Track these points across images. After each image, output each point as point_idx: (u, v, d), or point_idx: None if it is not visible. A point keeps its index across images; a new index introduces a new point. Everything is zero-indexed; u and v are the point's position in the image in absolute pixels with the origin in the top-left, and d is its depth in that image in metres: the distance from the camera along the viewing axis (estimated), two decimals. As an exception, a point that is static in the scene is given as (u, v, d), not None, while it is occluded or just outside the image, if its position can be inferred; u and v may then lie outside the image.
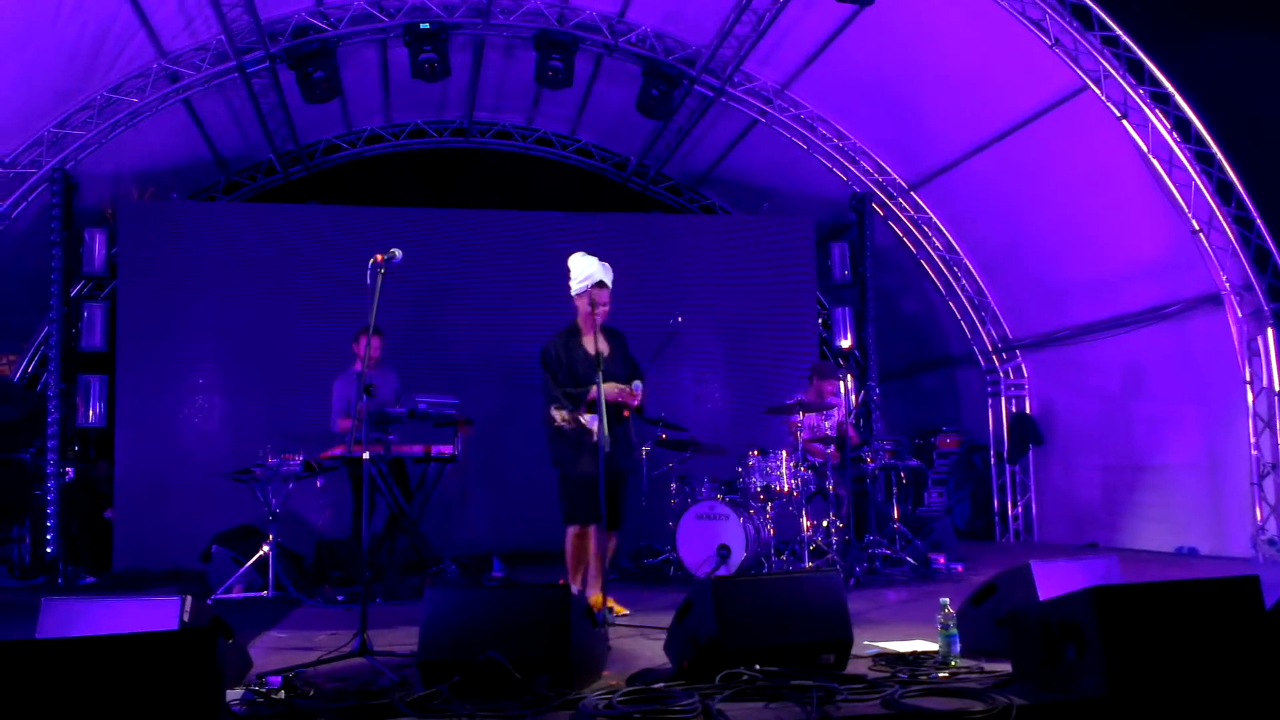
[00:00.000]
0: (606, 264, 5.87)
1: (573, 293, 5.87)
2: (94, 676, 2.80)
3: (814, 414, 7.68)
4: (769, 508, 7.32)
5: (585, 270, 5.82)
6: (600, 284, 5.78)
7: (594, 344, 5.66)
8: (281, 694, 3.50)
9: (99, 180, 9.67)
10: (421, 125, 12.00)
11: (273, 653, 4.61)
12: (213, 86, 9.44)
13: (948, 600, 3.93)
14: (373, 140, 11.96)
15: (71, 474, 9.12)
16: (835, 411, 7.90)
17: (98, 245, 9.41)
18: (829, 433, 7.69)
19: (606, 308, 5.79)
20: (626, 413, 5.87)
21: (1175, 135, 7.94)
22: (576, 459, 5.73)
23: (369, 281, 4.75)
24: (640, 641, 4.73)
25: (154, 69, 9.01)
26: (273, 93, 9.92)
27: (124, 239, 9.43)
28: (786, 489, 7.24)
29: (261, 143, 10.97)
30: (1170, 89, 7.92)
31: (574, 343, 5.86)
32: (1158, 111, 7.95)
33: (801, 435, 7.33)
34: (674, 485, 7.76)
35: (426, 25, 9.17)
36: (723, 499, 7.21)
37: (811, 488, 7.37)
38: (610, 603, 5.58)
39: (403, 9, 9.31)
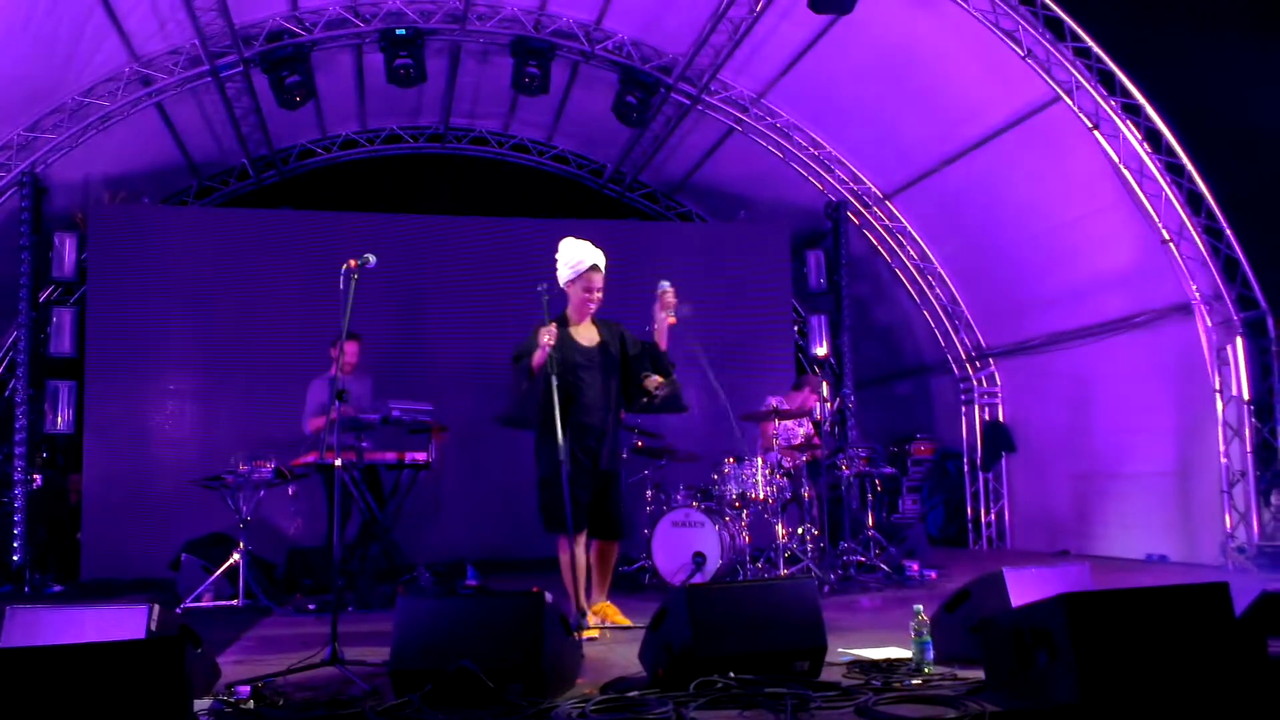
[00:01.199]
0: (598, 249, 5.59)
1: (564, 280, 5.54)
2: (59, 686, 2.75)
3: (788, 421, 7.71)
4: (744, 515, 7.33)
5: (578, 254, 5.53)
6: (594, 268, 5.50)
7: (589, 334, 5.46)
8: (250, 704, 3.46)
9: (69, 184, 9.56)
10: (397, 131, 11.95)
11: (242, 662, 4.55)
12: (186, 90, 9.36)
13: (921, 607, 3.94)
14: (348, 145, 11.90)
15: (39, 481, 8.99)
16: (807, 419, 7.93)
17: (67, 250, 9.30)
18: (802, 440, 7.72)
19: (601, 293, 5.53)
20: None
21: (1146, 146, 8.03)
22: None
23: (342, 287, 4.71)
24: (614, 649, 4.72)
25: (126, 72, 8.93)
26: (246, 97, 9.84)
27: (94, 243, 9.32)
28: (762, 496, 7.25)
29: (235, 147, 10.88)
30: (1141, 100, 8.02)
31: (564, 334, 5.48)
32: (1129, 122, 8.04)
33: (778, 441, 7.34)
34: (649, 492, 7.76)
35: (402, 31, 9.14)
36: (698, 506, 7.21)
37: (786, 495, 7.38)
38: (612, 613, 5.48)
39: (378, 14, 9.27)
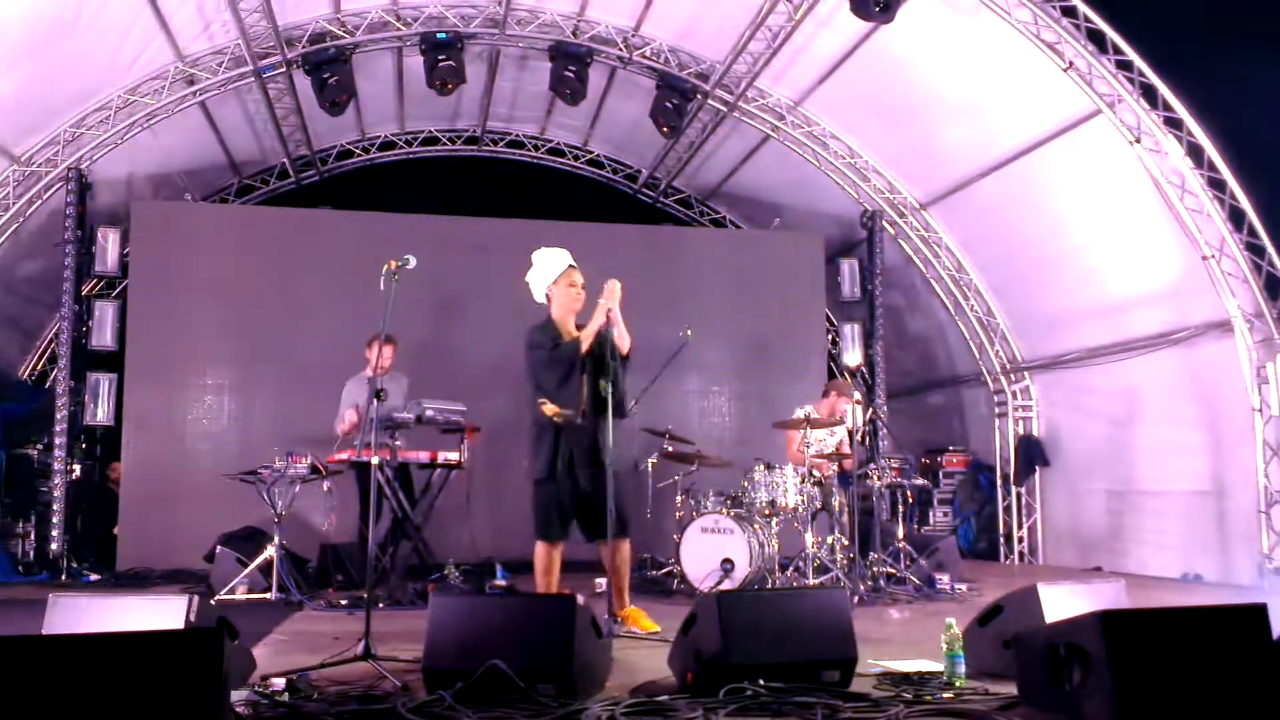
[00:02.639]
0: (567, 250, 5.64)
1: (546, 285, 5.57)
2: (101, 673, 2.80)
3: (820, 429, 7.67)
4: (774, 523, 7.31)
5: (554, 259, 5.59)
6: (572, 266, 5.57)
7: (574, 334, 5.45)
8: (285, 696, 3.51)
9: (113, 180, 9.73)
10: (435, 133, 12.06)
11: (276, 655, 4.61)
12: (229, 90, 9.50)
13: (953, 620, 3.92)
14: (386, 147, 12.02)
15: (79, 471, 9.13)
16: (839, 428, 7.88)
17: (111, 244, 9.45)
18: (831, 450, 7.68)
19: (585, 290, 5.56)
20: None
21: (1188, 160, 7.94)
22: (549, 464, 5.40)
23: (382, 287, 4.76)
24: (643, 654, 4.72)
25: (171, 71, 9.07)
26: (288, 98, 9.98)
27: (136, 239, 9.47)
28: (791, 504, 7.23)
29: (275, 146, 11.03)
30: (1184, 114, 7.93)
31: (556, 338, 5.50)
32: (1171, 136, 7.96)
33: (807, 451, 7.30)
34: (679, 498, 7.75)
35: (443, 35, 9.22)
36: (727, 513, 7.20)
37: (816, 503, 7.36)
38: (639, 618, 5.46)
39: (419, 18, 9.36)
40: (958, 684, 3.77)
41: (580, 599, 3.74)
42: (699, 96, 10.03)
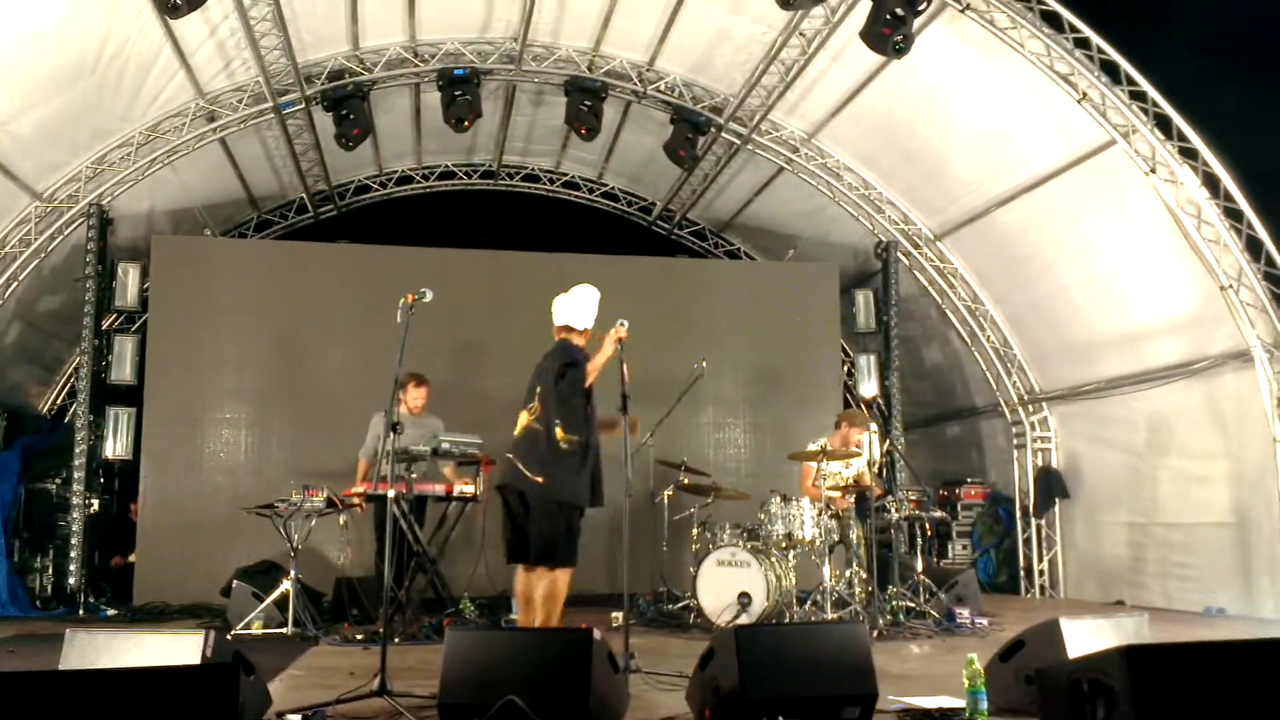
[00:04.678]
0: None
1: (590, 319, 5.65)
2: (117, 709, 2.80)
3: (834, 461, 7.62)
4: (791, 556, 7.26)
5: (595, 297, 5.68)
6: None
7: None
8: (301, 733, 3.49)
9: (133, 215, 9.84)
10: (451, 167, 12.17)
11: (292, 690, 4.59)
12: (248, 127, 9.62)
13: (974, 656, 3.87)
14: (403, 181, 12.14)
15: (97, 505, 9.16)
16: (857, 460, 7.84)
17: (131, 279, 9.54)
18: (849, 481, 7.64)
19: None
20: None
21: (1204, 191, 7.93)
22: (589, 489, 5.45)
23: (399, 320, 4.79)
24: (660, 690, 4.68)
25: (192, 108, 9.20)
26: (307, 133, 10.10)
27: (156, 274, 9.55)
28: (808, 537, 7.18)
29: (294, 181, 11.15)
30: (1199, 144, 7.93)
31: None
32: (1186, 167, 7.95)
33: (822, 483, 7.26)
34: (695, 530, 7.72)
35: (460, 71, 9.33)
36: (744, 546, 7.15)
37: (834, 536, 7.30)
38: None
39: (437, 54, 9.48)
40: (980, 720, 3.72)
41: (597, 633, 3.72)
42: (713, 129, 10.09)
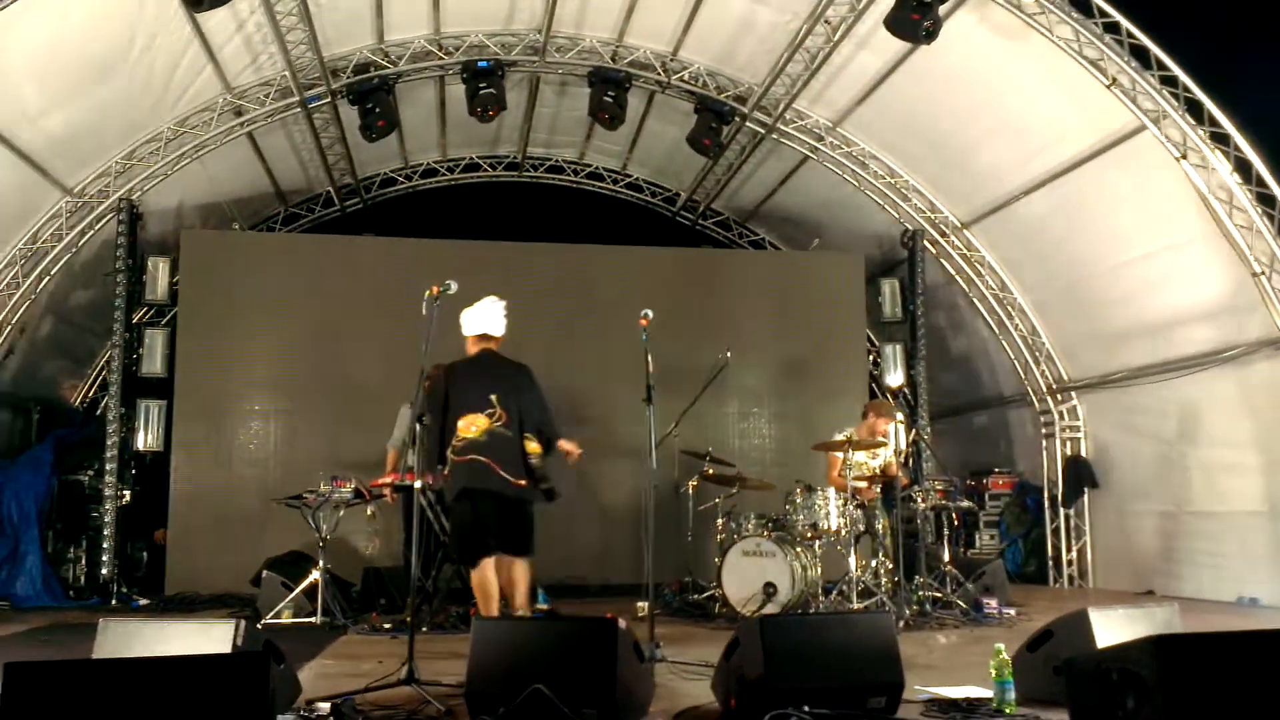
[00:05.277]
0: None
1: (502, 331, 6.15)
2: (150, 696, 2.84)
3: (860, 451, 7.59)
4: (816, 546, 7.24)
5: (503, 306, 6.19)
6: None
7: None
8: (330, 720, 3.53)
9: (163, 210, 9.94)
10: (476, 160, 12.20)
11: (321, 679, 4.64)
12: (275, 121, 9.68)
13: (1002, 646, 3.85)
14: (428, 174, 12.19)
15: (129, 497, 9.28)
16: (884, 450, 7.80)
17: (160, 273, 9.62)
18: (876, 471, 7.61)
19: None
20: None
21: (1236, 176, 7.81)
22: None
23: (425, 312, 4.81)
24: (686, 679, 4.69)
25: (220, 103, 9.27)
26: (333, 127, 10.16)
27: (185, 268, 9.64)
28: (834, 527, 7.16)
29: (320, 175, 11.22)
30: (1230, 129, 7.81)
31: None
32: (1218, 152, 7.83)
33: (848, 473, 7.23)
34: (720, 521, 7.71)
35: (484, 63, 9.34)
36: (769, 536, 7.15)
37: (860, 526, 7.28)
38: None
39: (461, 47, 9.50)
40: (1008, 711, 3.70)
41: (622, 623, 3.73)
42: (737, 119, 10.05)
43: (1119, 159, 8.48)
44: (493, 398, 5.85)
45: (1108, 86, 7.99)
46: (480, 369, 6.02)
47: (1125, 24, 7.91)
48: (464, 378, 5.95)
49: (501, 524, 5.83)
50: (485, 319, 6.07)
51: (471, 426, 5.78)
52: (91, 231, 9.33)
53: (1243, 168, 7.81)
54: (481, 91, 9.31)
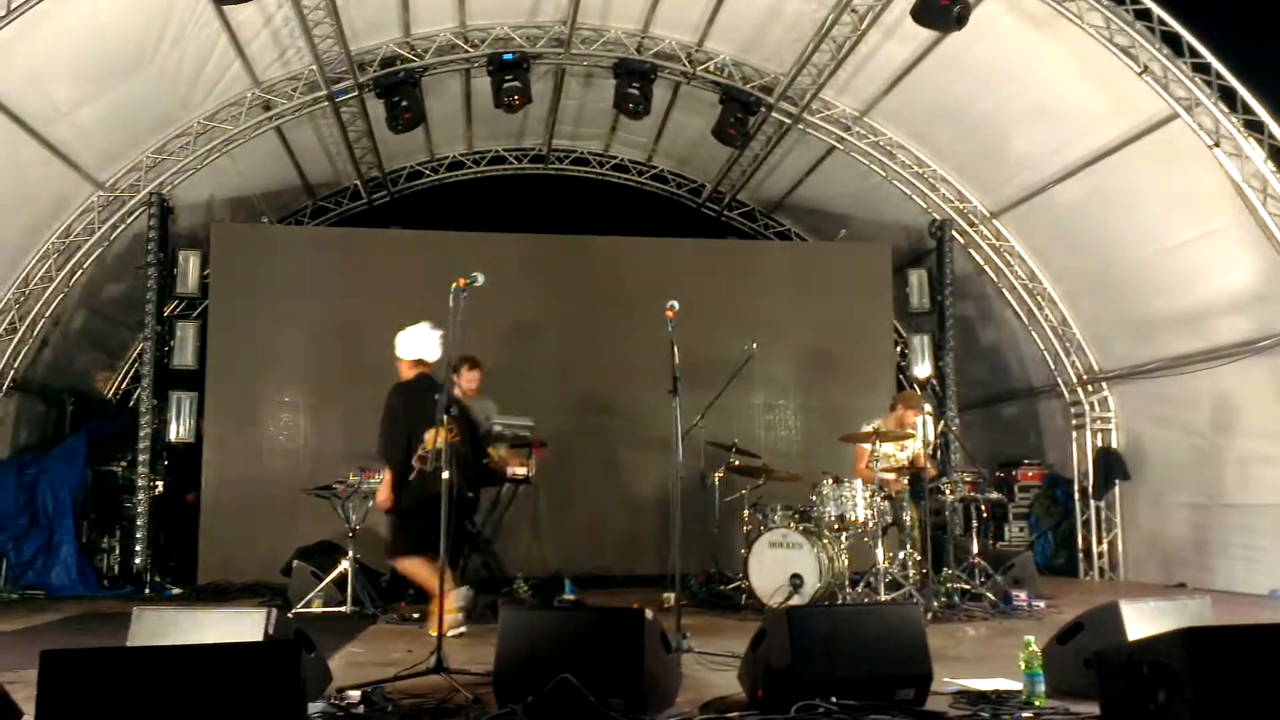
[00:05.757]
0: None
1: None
2: (185, 683, 2.88)
3: (888, 443, 7.55)
4: (843, 538, 7.22)
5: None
6: None
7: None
8: (360, 708, 3.57)
9: (193, 204, 10.04)
10: (501, 152, 12.23)
11: (351, 668, 4.68)
12: (303, 114, 9.74)
13: (1032, 638, 3.82)
14: (454, 167, 12.23)
15: (161, 487, 9.40)
16: (912, 442, 7.76)
17: (191, 266, 9.72)
18: (904, 463, 7.57)
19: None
20: None
21: (1270, 164, 7.68)
22: None
23: (451, 304, 4.83)
24: (712, 670, 4.70)
25: (248, 97, 9.34)
26: (360, 120, 10.21)
27: (216, 261, 9.74)
28: (861, 519, 7.13)
29: (348, 169, 11.29)
30: (1265, 116, 7.68)
31: None
32: (1251, 140, 7.71)
33: (875, 464, 7.20)
34: (746, 512, 7.70)
35: (509, 56, 9.35)
36: (796, 527, 7.13)
37: (887, 518, 7.24)
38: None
39: (486, 39, 9.52)
40: (1037, 703, 3.68)
41: (649, 613, 3.74)
42: (763, 109, 10.01)
43: (1151, 147, 8.37)
44: (454, 418, 6.08)
45: (1139, 74, 7.89)
46: (427, 389, 6.22)
47: (1157, 10, 7.80)
48: (418, 393, 6.18)
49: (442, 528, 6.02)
50: (424, 345, 6.32)
51: (430, 436, 5.94)
52: (123, 225, 9.44)
53: (1277, 155, 7.68)
54: (506, 84, 9.33)
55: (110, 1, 7.44)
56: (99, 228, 9.29)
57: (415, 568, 6.05)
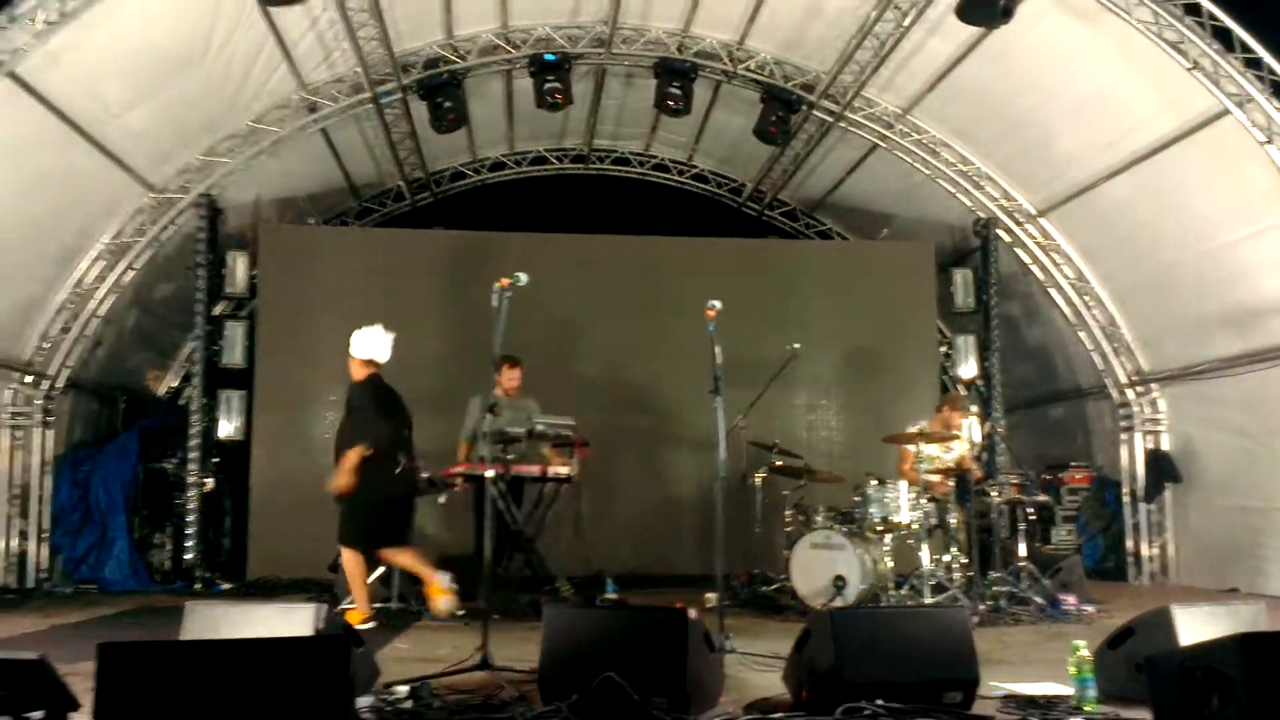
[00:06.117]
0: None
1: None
2: (238, 676, 2.93)
3: (933, 444, 7.49)
4: (887, 540, 7.16)
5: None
6: None
7: None
8: (409, 703, 3.61)
9: (240, 205, 10.19)
10: (543, 153, 12.29)
11: (396, 663, 4.73)
12: (348, 116, 9.85)
13: (1082, 643, 3.77)
14: (496, 168, 12.31)
15: (211, 484, 9.55)
16: (958, 443, 7.69)
17: (239, 267, 9.87)
18: (950, 465, 7.50)
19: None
20: None
21: (1325, 161, 7.52)
22: None
23: (494, 304, 4.87)
24: (755, 670, 4.69)
25: (294, 100, 9.46)
26: (404, 122, 10.30)
27: (264, 262, 9.89)
28: (905, 521, 7.07)
29: (391, 170, 11.40)
30: (1320, 113, 7.51)
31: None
32: (1306, 136, 7.55)
33: (920, 466, 7.14)
34: (789, 512, 7.67)
35: (550, 56, 9.39)
36: (838, 529, 7.09)
37: (932, 520, 7.17)
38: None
39: (528, 40, 9.57)
40: (1088, 708, 3.63)
41: (693, 613, 3.74)
42: (804, 108, 9.96)
43: (1202, 144, 8.21)
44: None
45: (1189, 70, 7.74)
46: (390, 388, 6.79)
47: (1207, 5, 7.65)
48: (386, 390, 6.71)
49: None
50: (378, 346, 6.65)
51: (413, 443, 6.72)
52: (173, 226, 9.59)
53: (1333, 151, 7.51)
54: (548, 84, 9.37)
55: (160, 4, 7.57)
56: (150, 229, 9.45)
57: (354, 561, 6.45)
